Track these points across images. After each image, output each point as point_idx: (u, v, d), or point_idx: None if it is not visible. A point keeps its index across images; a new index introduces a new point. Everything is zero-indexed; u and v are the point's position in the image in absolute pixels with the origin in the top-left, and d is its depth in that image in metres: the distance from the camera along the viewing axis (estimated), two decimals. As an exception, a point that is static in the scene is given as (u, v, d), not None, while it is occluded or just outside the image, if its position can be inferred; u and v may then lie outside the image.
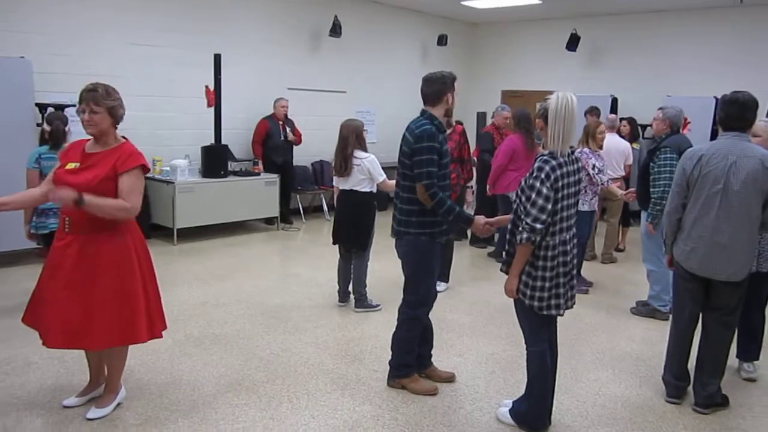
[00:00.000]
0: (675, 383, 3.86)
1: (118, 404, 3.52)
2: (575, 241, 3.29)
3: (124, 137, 3.35)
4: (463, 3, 10.20)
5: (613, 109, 9.99)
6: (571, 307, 3.32)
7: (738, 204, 3.46)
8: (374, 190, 5.21)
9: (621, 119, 8.32)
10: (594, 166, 5.78)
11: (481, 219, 3.68)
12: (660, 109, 5.22)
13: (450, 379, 4.04)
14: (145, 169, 3.31)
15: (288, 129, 8.68)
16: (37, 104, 6.45)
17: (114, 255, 3.20)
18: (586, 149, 5.85)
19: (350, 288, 5.43)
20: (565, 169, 3.10)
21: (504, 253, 3.35)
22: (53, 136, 4.83)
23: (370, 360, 4.33)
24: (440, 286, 5.72)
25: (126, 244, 3.26)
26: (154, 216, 7.69)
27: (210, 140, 7.93)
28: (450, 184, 3.80)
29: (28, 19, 6.77)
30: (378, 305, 5.34)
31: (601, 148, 6.00)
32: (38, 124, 6.27)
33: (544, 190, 3.04)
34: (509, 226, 3.27)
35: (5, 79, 6.14)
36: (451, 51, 11.82)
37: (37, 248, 5.53)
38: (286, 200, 8.89)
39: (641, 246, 5.46)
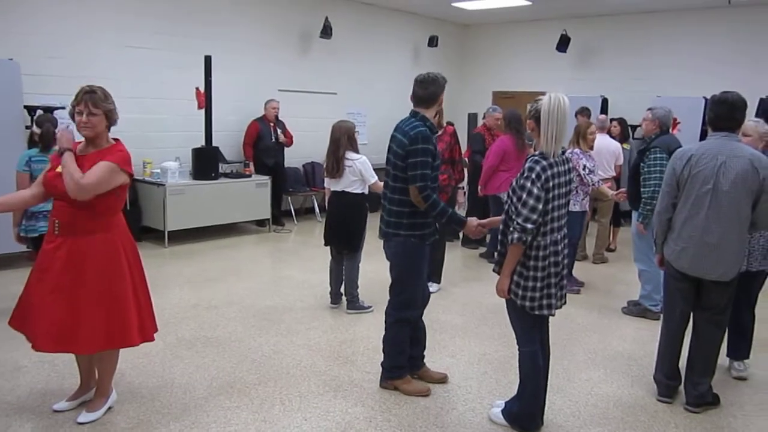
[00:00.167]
0: (666, 382, 3.88)
1: (109, 408, 3.50)
2: (566, 241, 3.30)
3: (116, 139, 3.33)
4: (453, 4, 10.23)
5: (603, 109, 10.04)
6: (561, 306, 3.33)
7: (728, 204, 3.47)
8: (366, 191, 5.20)
9: (611, 120, 8.36)
10: (585, 166, 5.80)
11: (473, 221, 3.68)
12: (649, 109, 5.24)
13: (442, 380, 4.04)
14: (124, 173, 3.21)
15: (279, 131, 8.66)
16: (26, 107, 6.41)
17: (103, 258, 3.18)
18: (577, 150, 5.88)
19: (342, 290, 5.42)
20: (556, 170, 3.11)
21: (496, 253, 3.36)
22: (43, 138, 4.80)
23: (362, 361, 4.32)
24: (432, 287, 5.74)
25: (115, 247, 3.23)
26: (145, 218, 7.66)
27: (201, 142, 7.90)
28: (440, 186, 3.81)
29: (17, 21, 6.73)
30: (370, 307, 5.33)
31: (591, 148, 6.03)
32: (27, 127, 6.24)
33: (535, 191, 3.04)
34: (501, 227, 3.28)
35: (-6, 82, 6.10)
36: (442, 52, 11.84)
37: (26, 251, 5.48)
38: (278, 202, 8.88)
39: (632, 246, 5.48)
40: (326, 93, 10.02)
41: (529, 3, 9.86)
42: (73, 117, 3.19)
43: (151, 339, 3.45)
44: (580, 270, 6.63)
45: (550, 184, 3.08)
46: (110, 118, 3.22)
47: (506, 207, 3.24)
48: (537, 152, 3.14)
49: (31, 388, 3.77)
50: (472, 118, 9.98)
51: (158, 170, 7.54)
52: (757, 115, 7.85)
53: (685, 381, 3.85)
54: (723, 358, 4.10)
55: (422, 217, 3.61)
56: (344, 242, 5.25)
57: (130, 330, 3.25)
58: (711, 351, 3.77)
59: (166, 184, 7.34)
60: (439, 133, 5.57)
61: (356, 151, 5.14)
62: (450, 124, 6.31)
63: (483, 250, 7.58)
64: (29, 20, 6.81)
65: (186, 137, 8.12)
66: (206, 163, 7.82)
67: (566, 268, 3.32)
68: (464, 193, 7.10)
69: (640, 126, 6.44)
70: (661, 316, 4.11)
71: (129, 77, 7.61)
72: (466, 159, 7.55)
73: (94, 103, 3.13)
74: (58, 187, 3.11)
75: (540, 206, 3.06)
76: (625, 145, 8.08)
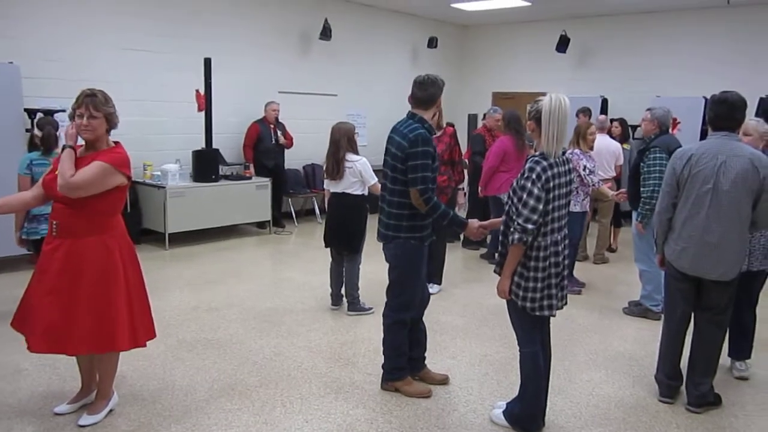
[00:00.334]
0: (668, 383, 3.87)
1: (111, 411, 3.49)
2: (567, 241, 3.30)
3: (116, 142, 3.34)
4: (453, 5, 10.23)
5: (603, 109, 10.04)
6: (562, 307, 3.33)
7: (728, 203, 3.47)
8: (365, 192, 5.20)
9: (612, 120, 8.36)
10: (585, 167, 5.80)
11: (474, 222, 3.68)
12: (648, 109, 5.25)
13: (443, 381, 4.03)
14: (121, 174, 3.21)
15: (279, 132, 8.66)
16: (26, 110, 6.42)
17: (98, 261, 3.18)
18: (577, 150, 5.88)
19: (343, 291, 5.42)
20: (556, 170, 3.10)
21: (497, 254, 3.35)
22: (45, 141, 4.80)
23: (363, 363, 4.32)
24: (433, 288, 5.74)
25: (111, 250, 3.22)
26: (145, 221, 7.66)
27: (201, 144, 7.90)
28: (440, 187, 3.81)
29: (16, 24, 6.73)
30: (371, 308, 5.33)
31: (591, 149, 6.03)
32: (27, 130, 6.24)
33: (536, 191, 3.04)
34: (502, 228, 3.28)
35: (-6, 85, 6.11)
36: (441, 53, 11.85)
37: (28, 254, 5.49)
38: (278, 204, 8.88)
39: (633, 246, 5.48)
40: (326, 95, 10.02)
41: (529, 4, 9.86)
42: (73, 120, 3.19)
43: (143, 345, 3.40)
44: (581, 270, 6.63)
45: (551, 184, 3.08)
46: (110, 121, 3.23)
47: (507, 208, 3.24)
48: (538, 153, 3.14)
49: (32, 390, 3.77)
50: (472, 119, 9.99)
51: (158, 172, 7.54)
52: (756, 115, 7.86)
53: (686, 381, 3.84)
54: (724, 358, 4.09)
55: (421, 219, 3.61)
56: (344, 244, 5.25)
57: (119, 334, 3.23)
58: (712, 351, 3.77)
59: (167, 187, 7.34)
60: (439, 134, 5.58)
61: (356, 152, 5.14)
62: (450, 125, 6.31)
63: (484, 251, 7.58)
64: (28, 23, 6.82)
65: (186, 139, 8.13)
66: (206, 165, 7.83)
67: (567, 268, 3.32)
68: (464, 194, 7.11)
69: (639, 126, 6.45)
70: (662, 316, 4.11)
71: (129, 80, 7.61)
72: (466, 160, 7.55)
73: (95, 106, 3.14)
74: (55, 189, 3.11)
75: (540, 207, 3.05)
76: (625, 146, 8.09)
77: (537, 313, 3.21)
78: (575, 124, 6.25)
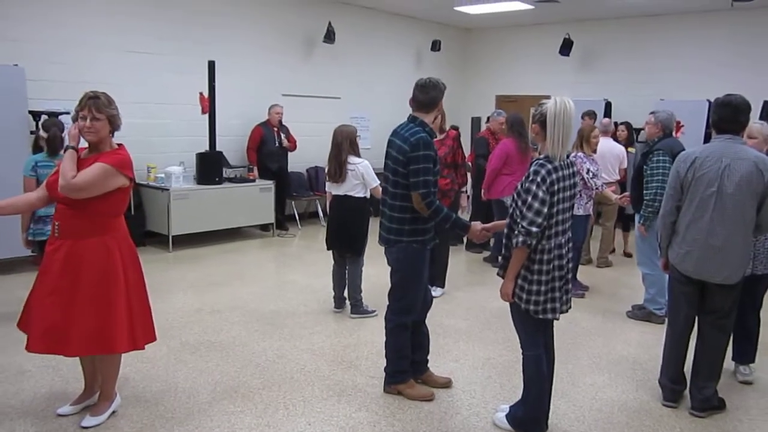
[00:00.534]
0: (671, 387, 3.86)
1: (113, 412, 3.50)
2: (570, 245, 3.29)
3: (119, 144, 3.35)
4: (456, 9, 10.23)
5: (607, 113, 10.03)
6: (567, 311, 3.32)
7: (732, 207, 3.46)
8: (368, 195, 5.21)
9: (618, 124, 8.35)
10: (588, 170, 5.80)
11: (477, 225, 3.67)
12: (652, 113, 5.24)
13: (446, 384, 4.03)
14: (123, 176, 3.21)
15: (283, 135, 8.68)
16: (30, 112, 6.44)
17: (98, 262, 3.19)
18: (580, 153, 5.87)
19: (346, 294, 5.42)
20: (560, 173, 3.10)
21: (500, 257, 3.35)
22: (50, 142, 4.82)
23: (366, 366, 4.32)
24: (436, 291, 5.73)
25: (112, 252, 3.23)
26: (149, 223, 7.67)
27: (204, 147, 7.92)
28: (442, 190, 3.80)
29: (21, 26, 6.76)
30: (374, 311, 5.32)
31: (595, 152, 6.02)
32: (32, 132, 6.26)
33: (540, 194, 3.04)
34: (505, 231, 3.27)
35: (-2, 87, 6.13)
36: (444, 56, 11.86)
37: (32, 256, 5.50)
38: (282, 206, 8.88)
39: (636, 249, 5.47)
40: (330, 98, 10.04)
41: (532, 7, 9.86)
42: (76, 122, 3.21)
43: (141, 348, 3.40)
44: (584, 274, 6.62)
45: (555, 187, 3.07)
46: (113, 124, 3.24)
47: (511, 210, 3.24)
48: (542, 156, 3.14)
49: (35, 392, 3.77)
50: (476, 122, 9.99)
51: (162, 175, 7.55)
52: (761, 118, 7.86)
53: (690, 385, 3.83)
54: (728, 362, 4.08)
55: (423, 223, 3.61)
56: (347, 246, 5.25)
57: (117, 336, 3.22)
58: (716, 355, 3.75)
59: (170, 189, 7.35)
60: (442, 137, 5.58)
61: (358, 155, 5.15)
62: (454, 128, 6.32)
63: (487, 254, 7.57)
64: (33, 25, 6.84)
65: (190, 142, 8.15)
66: (210, 167, 7.84)
67: (571, 272, 3.31)
68: (468, 197, 7.11)
69: (643, 129, 6.44)
70: (666, 320, 4.10)
71: (132, 82, 7.63)
72: (470, 163, 7.55)
73: (98, 108, 3.15)
74: (57, 190, 3.13)
75: (545, 210, 3.05)
76: (630, 149, 8.08)
77: (540, 317, 3.20)
78: (580, 127, 6.24)
